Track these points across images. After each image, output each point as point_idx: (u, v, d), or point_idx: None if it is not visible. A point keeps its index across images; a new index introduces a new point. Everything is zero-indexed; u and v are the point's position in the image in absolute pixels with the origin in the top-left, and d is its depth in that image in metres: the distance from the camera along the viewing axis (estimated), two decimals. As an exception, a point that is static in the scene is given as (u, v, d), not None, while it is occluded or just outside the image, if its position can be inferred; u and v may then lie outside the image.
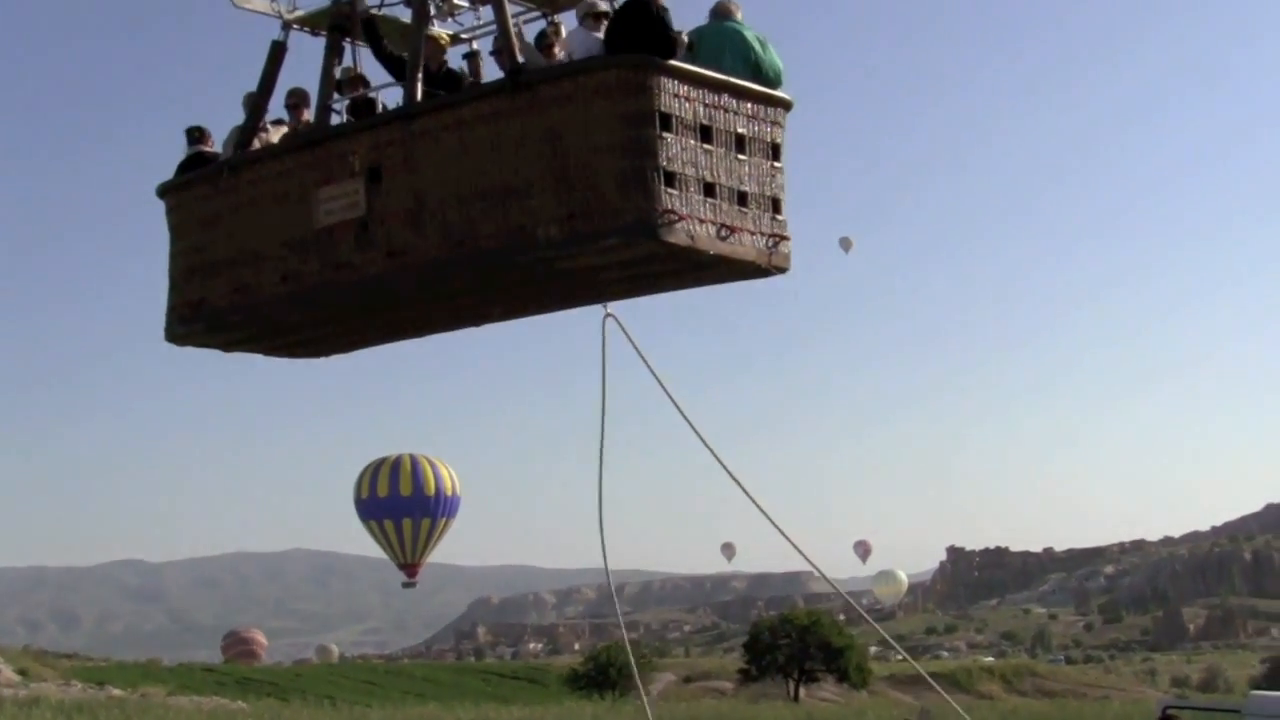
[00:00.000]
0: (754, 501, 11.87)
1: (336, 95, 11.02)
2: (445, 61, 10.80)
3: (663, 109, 9.37)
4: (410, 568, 61.46)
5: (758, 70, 10.05)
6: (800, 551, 12.20)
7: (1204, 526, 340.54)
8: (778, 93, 10.13)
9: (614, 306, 11.02)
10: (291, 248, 10.70)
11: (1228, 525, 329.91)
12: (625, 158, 9.28)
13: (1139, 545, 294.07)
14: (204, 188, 11.32)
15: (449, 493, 62.34)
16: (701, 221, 9.53)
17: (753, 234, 9.92)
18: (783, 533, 12.09)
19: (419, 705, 51.94)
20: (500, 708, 51.03)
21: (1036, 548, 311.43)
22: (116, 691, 52.52)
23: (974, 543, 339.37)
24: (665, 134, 9.37)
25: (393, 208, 10.17)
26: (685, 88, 9.51)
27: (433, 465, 62.92)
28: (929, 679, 19.14)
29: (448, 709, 48.37)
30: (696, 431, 11.60)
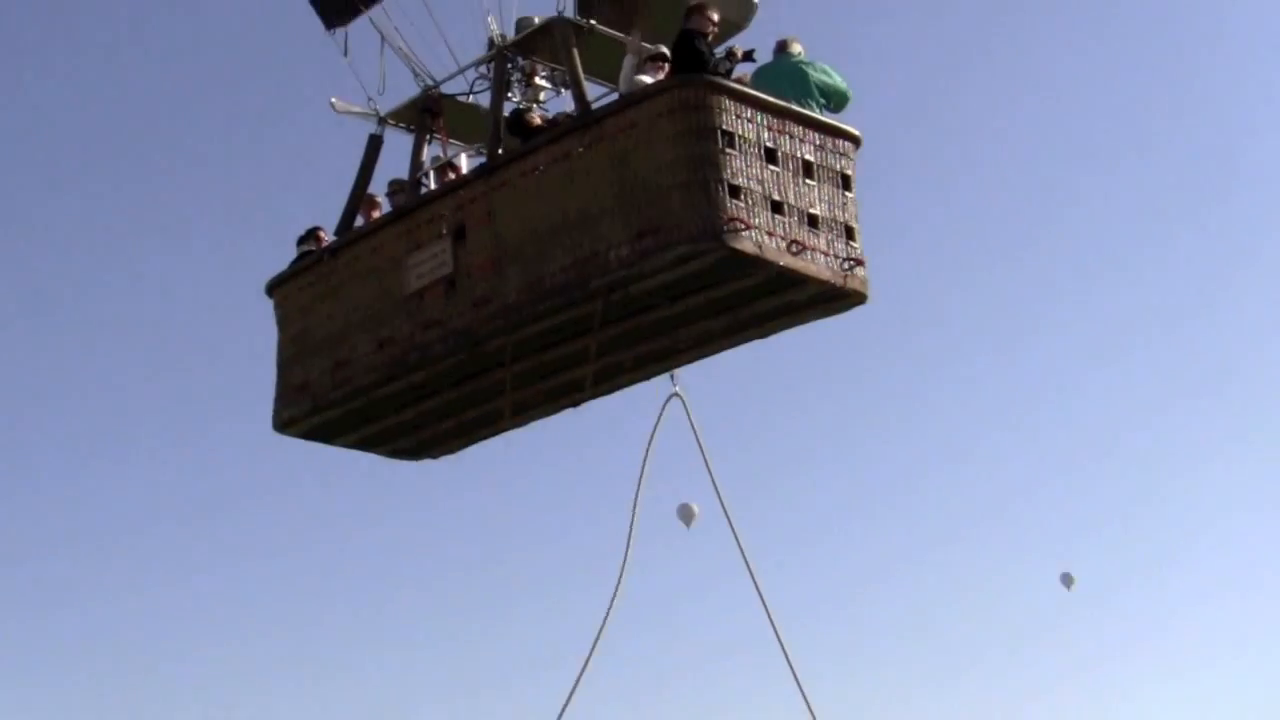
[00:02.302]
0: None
1: (430, 177, 11.45)
2: None
3: (724, 126, 9.56)
4: None
5: (825, 99, 10.22)
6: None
7: None
8: (845, 126, 10.26)
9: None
10: (385, 315, 11.03)
11: None
12: (689, 171, 9.46)
13: None
14: (307, 276, 11.78)
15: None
16: (770, 234, 9.60)
17: (826, 255, 9.93)
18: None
19: None
20: None
21: None
22: None
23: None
24: (729, 150, 9.54)
25: (477, 260, 10.47)
26: (747, 109, 9.72)
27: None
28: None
29: None
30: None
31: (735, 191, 9.49)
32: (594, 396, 11.53)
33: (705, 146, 9.48)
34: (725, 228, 9.38)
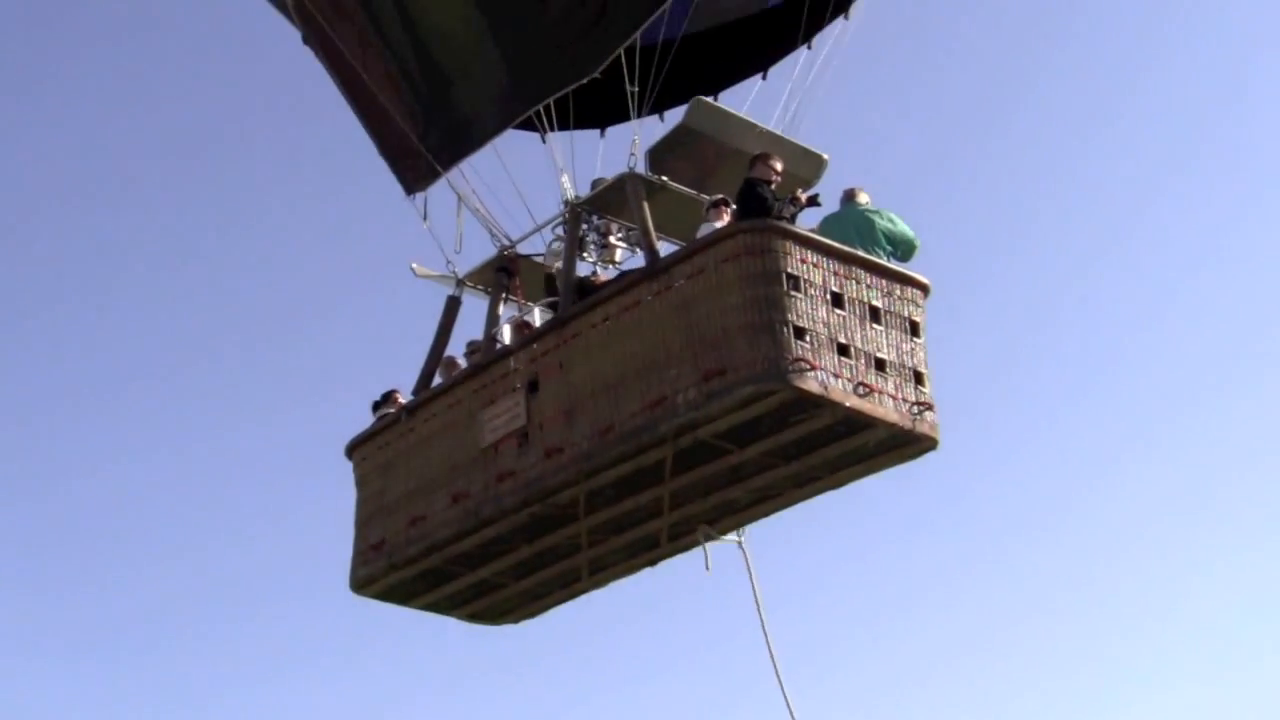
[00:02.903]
0: None
1: (505, 334, 11.62)
2: None
3: (789, 270, 9.67)
4: None
5: (892, 246, 10.30)
6: None
7: None
8: (914, 274, 10.32)
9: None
10: (460, 470, 11.10)
11: None
12: (754, 313, 9.55)
13: None
14: (385, 436, 11.92)
15: None
16: (836, 376, 9.61)
17: (894, 398, 9.91)
18: None
19: None
20: None
21: None
22: None
23: None
24: (794, 293, 9.62)
25: (549, 411, 10.55)
26: (812, 254, 9.84)
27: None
28: None
29: None
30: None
31: (800, 333, 9.55)
32: (671, 554, 11.48)
33: (770, 289, 9.59)
34: (791, 368, 9.42)
